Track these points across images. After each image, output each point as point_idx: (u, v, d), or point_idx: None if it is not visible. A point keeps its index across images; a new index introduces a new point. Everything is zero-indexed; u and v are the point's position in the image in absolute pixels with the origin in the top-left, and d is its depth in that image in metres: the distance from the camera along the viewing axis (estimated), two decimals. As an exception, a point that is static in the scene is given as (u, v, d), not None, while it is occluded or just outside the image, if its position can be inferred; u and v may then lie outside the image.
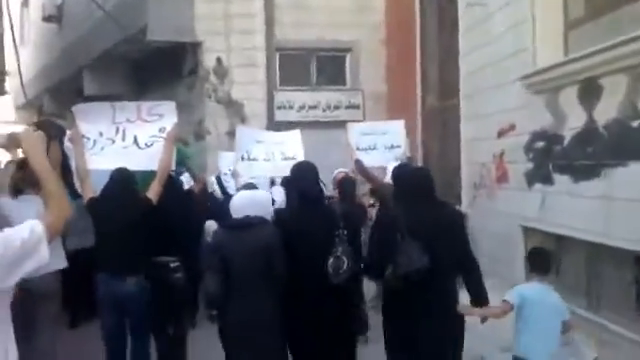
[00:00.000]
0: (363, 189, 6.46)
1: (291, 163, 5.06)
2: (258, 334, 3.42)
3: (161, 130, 4.24)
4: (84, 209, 4.17)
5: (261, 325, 3.42)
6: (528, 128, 5.81)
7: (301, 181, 3.80)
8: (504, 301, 3.38)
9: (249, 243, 3.43)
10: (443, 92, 8.86)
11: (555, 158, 5.37)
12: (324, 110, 10.66)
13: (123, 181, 4.12)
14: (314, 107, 10.63)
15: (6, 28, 10.37)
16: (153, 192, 4.04)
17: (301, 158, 5.40)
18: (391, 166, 5.15)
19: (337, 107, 10.74)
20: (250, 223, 3.51)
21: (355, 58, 10.96)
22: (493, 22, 6.63)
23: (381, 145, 5.55)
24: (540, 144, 5.61)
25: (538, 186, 5.66)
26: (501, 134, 6.43)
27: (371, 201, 6.15)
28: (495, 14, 6.57)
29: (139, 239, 4.02)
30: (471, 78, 7.31)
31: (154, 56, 10.54)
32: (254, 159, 5.38)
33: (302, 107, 10.59)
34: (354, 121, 9.42)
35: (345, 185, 5.85)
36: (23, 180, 4.39)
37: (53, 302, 4.33)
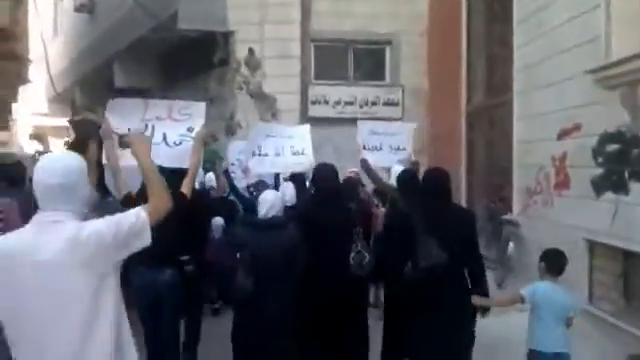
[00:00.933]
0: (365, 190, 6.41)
1: (299, 158, 5.38)
2: (277, 329, 3.64)
3: (189, 129, 4.26)
4: (112, 207, 3.99)
5: (281, 320, 3.64)
6: (597, 128, 5.09)
7: (323, 180, 4.04)
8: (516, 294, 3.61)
9: (278, 243, 3.66)
10: (492, 88, 8.16)
11: (632, 163, 4.66)
12: (361, 106, 10.04)
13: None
14: (350, 103, 10.05)
15: (32, 16, 10.09)
16: (187, 188, 4.09)
17: (309, 153, 5.43)
18: (395, 168, 5.08)
19: (374, 103, 10.13)
20: (277, 224, 3.76)
21: (395, 51, 10.30)
22: (555, 9, 5.91)
23: (387, 146, 5.44)
24: (613, 147, 4.90)
25: (609, 195, 4.94)
26: (563, 135, 5.72)
27: (375, 202, 6.06)
28: (558, 0, 5.86)
29: (174, 232, 3.91)
30: (526, 73, 6.60)
31: (185, 47, 10.09)
32: (265, 154, 5.38)
33: (337, 102, 10.03)
34: (391, 119, 8.94)
35: (349, 185, 5.72)
36: None
37: None
